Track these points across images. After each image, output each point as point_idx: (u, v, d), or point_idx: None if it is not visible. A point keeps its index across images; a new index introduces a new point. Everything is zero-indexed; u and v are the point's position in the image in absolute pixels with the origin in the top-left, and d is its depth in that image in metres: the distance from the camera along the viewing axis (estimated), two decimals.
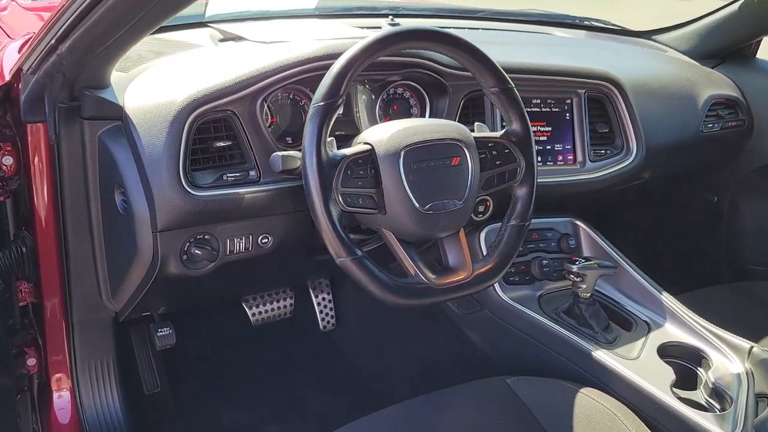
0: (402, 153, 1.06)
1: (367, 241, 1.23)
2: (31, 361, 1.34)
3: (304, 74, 1.17)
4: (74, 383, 1.33)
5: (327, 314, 1.75)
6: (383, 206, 1.06)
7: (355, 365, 1.79)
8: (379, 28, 1.38)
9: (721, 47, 1.94)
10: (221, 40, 1.43)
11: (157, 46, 1.33)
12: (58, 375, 1.33)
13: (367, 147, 1.07)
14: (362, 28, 1.50)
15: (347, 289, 1.78)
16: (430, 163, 1.08)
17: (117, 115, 1.10)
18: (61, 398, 1.33)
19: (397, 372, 1.73)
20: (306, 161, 1.01)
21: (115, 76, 1.14)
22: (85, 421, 1.34)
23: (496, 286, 1.38)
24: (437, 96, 1.34)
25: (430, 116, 1.34)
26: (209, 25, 1.50)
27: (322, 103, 1.02)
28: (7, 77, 1.13)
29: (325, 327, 1.76)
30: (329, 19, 1.67)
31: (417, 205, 1.06)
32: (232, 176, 1.12)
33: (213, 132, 1.12)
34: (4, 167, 1.18)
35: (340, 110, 1.06)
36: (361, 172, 1.05)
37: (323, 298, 1.75)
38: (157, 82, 1.16)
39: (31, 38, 1.05)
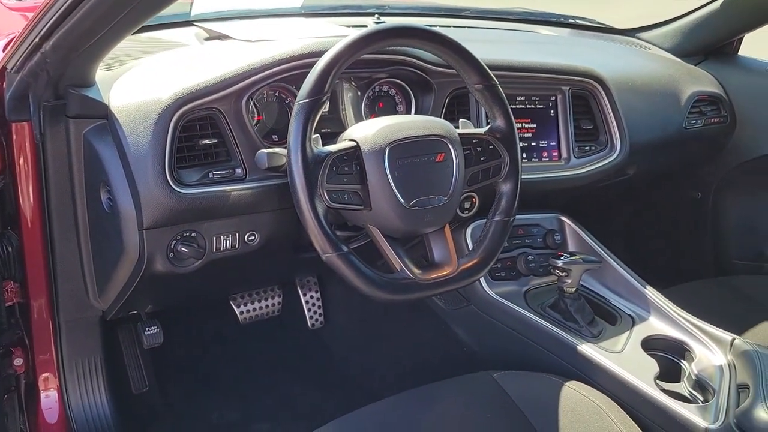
0: (387, 149, 1.06)
1: (354, 238, 1.24)
2: (18, 361, 1.33)
3: (290, 72, 1.18)
4: (61, 383, 1.33)
5: (315, 312, 1.76)
6: (369, 202, 1.07)
7: (344, 362, 1.80)
8: (365, 26, 1.38)
9: (704, 44, 1.96)
10: (206, 39, 1.43)
11: (142, 45, 1.34)
12: (45, 374, 1.33)
13: (352, 144, 1.08)
14: (348, 26, 1.51)
15: (335, 286, 1.79)
16: (415, 159, 1.09)
17: (102, 113, 1.10)
18: (49, 398, 1.33)
19: (385, 368, 1.74)
20: (291, 158, 1.01)
21: (101, 74, 1.14)
22: (72, 420, 1.34)
23: (483, 281, 1.39)
24: (422, 93, 1.35)
25: (415, 113, 1.35)
26: (194, 24, 1.50)
27: (307, 100, 1.03)
28: None
29: (313, 325, 1.76)
30: (315, 17, 1.67)
31: (402, 201, 1.07)
32: (218, 174, 1.13)
33: (199, 130, 1.13)
34: None
35: (325, 107, 1.07)
36: (347, 169, 1.06)
37: (311, 296, 1.76)
38: (142, 80, 1.16)
39: (15, 37, 1.05)
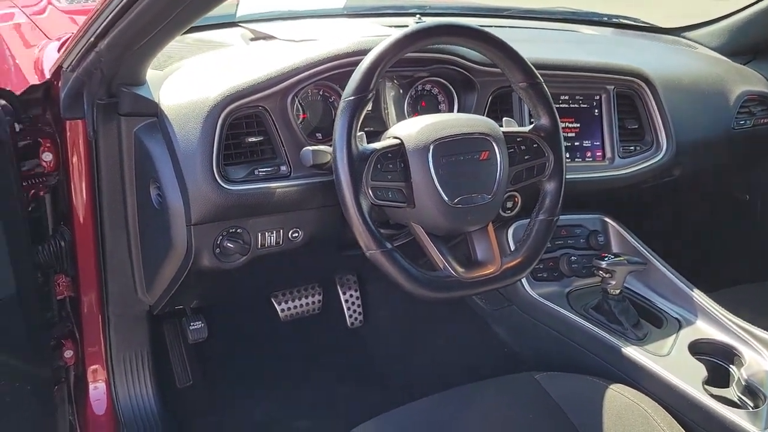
0: (431, 147, 1.07)
1: (397, 236, 1.24)
2: (68, 353, 1.36)
3: (334, 70, 1.19)
4: (110, 375, 1.36)
5: (354, 311, 1.77)
6: (412, 200, 1.07)
7: (383, 361, 1.80)
8: (406, 26, 1.39)
9: (753, 43, 1.91)
10: (252, 39, 1.46)
11: (190, 46, 1.36)
12: (94, 367, 1.36)
13: (397, 141, 1.08)
14: (390, 26, 1.52)
15: (375, 285, 1.79)
16: (459, 157, 1.09)
17: (153, 111, 1.13)
18: (97, 390, 1.36)
19: (424, 367, 1.74)
20: (337, 155, 1.02)
21: (150, 73, 1.17)
22: (120, 413, 1.36)
23: (524, 282, 1.38)
24: (465, 92, 1.34)
25: (458, 112, 1.34)
26: (240, 24, 1.52)
27: (353, 98, 1.04)
28: (48, 75, 1.16)
29: (352, 324, 1.77)
30: (357, 18, 1.68)
31: (446, 198, 1.07)
32: (263, 171, 1.14)
33: (245, 127, 1.15)
34: (44, 163, 1.21)
35: (370, 105, 1.08)
36: (391, 166, 1.06)
37: (351, 295, 1.76)
38: (191, 79, 1.19)
39: (71, 36, 1.08)
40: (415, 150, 1.06)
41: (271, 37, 1.43)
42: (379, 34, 1.30)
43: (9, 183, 1.11)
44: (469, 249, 1.15)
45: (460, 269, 1.08)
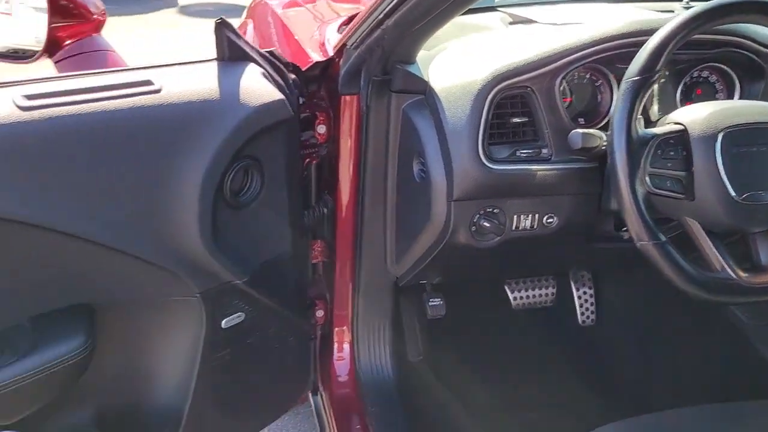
0: (720, 136, 0.98)
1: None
2: (320, 313, 1.47)
3: (606, 53, 1.15)
4: (354, 339, 1.44)
5: (587, 309, 1.69)
6: (692, 191, 1.00)
7: (614, 364, 1.71)
8: (672, 12, 1.29)
9: None
10: (511, 23, 1.45)
11: (453, 28, 1.38)
12: (340, 329, 1.45)
13: (679, 127, 1.01)
14: (655, 11, 1.42)
15: (610, 284, 1.70)
16: (752, 148, 0.99)
17: (422, 89, 1.17)
18: (342, 351, 1.45)
19: (661, 378, 1.61)
20: (615, 137, 0.98)
21: (419, 53, 1.21)
22: (360, 375, 1.44)
23: None
24: (750, 80, 1.21)
25: None
26: (498, 9, 1.53)
27: (637, 78, 0.99)
28: (331, 53, 1.26)
29: (584, 321, 1.70)
30: (618, 3, 1.60)
31: (732, 193, 0.97)
32: (524, 152, 1.14)
33: (509, 108, 1.14)
34: (318, 135, 1.31)
35: (655, 87, 1.01)
36: (672, 153, 1.00)
37: (584, 292, 1.69)
38: (458, 59, 1.22)
39: (356, 16, 1.15)
40: (701, 137, 0.98)
41: (530, 21, 1.42)
42: (654, 18, 1.22)
43: (295, 151, 1.22)
44: (751, 251, 1.03)
45: (741, 273, 0.98)
